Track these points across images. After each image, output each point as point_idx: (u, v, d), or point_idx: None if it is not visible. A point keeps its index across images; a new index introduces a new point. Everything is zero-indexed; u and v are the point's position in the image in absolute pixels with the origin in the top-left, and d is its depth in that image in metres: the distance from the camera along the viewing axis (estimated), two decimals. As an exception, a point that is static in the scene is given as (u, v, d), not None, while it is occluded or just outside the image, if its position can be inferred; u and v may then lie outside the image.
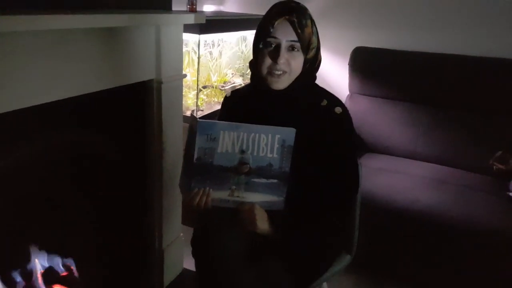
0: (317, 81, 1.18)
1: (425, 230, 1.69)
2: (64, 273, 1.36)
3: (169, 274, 1.70)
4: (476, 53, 2.10)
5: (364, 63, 2.30)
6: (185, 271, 1.78)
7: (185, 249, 1.74)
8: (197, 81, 2.06)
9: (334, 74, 2.50)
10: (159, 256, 1.64)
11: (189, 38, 1.98)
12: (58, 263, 1.35)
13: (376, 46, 2.30)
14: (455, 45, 2.17)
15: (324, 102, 1.12)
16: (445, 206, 1.70)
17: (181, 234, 1.75)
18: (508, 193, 1.78)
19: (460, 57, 2.12)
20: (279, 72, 1.06)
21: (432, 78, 2.16)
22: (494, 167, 1.84)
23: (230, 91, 1.29)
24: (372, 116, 2.27)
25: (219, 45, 2.28)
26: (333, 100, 1.14)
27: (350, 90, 2.38)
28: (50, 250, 1.35)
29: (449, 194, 1.78)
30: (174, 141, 1.57)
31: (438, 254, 1.70)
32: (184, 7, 1.92)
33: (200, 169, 0.98)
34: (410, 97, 2.21)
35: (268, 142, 0.98)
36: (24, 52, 1.00)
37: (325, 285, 1.32)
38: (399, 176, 1.94)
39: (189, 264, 1.74)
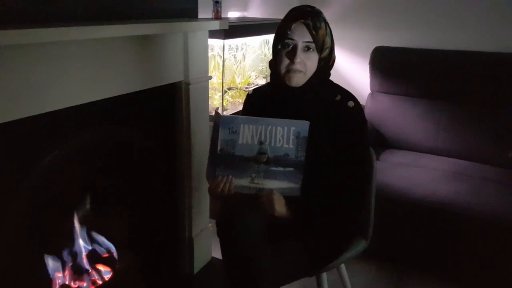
0: (339, 80, 1.26)
1: (442, 221, 1.73)
2: (105, 255, 1.51)
3: (199, 262, 1.82)
4: (494, 49, 2.11)
5: (384, 62, 2.35)
6: (214, 260, 1.88)
7: (213, 239, 1.84)
8: (222, 83, 2.16)
9: (356, 74, 2.56)
10: (189, 244, 1.76)
11: (215, 43, 2.08)
12: (100, 246, 1.50)
13: (395, 45, 2.35)
14: (473, 42, 2.19)
15: (338, 97, 1.20)
16: (463, 197, 1.73)
17: (209, 224, 1.87)
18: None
19: (478, 54, 2.13)
20: (295, 70, 1.15)
21: (450, 75, 2.18)
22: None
23: (252, 89, 1.39)
24: (393, 113, 2.31)
25: (242, 48, 2.37)
26: (346, 95, 1.21)
27: (371, 89, 2.43)
28: (93, 234, 1.50)
29: (466, 186, 1.81)
30: (201, 138, 1.68)
31: (456, 245, 1.73)
32: (210, 15, 2.05)
33: (223, 159, 1.10)
34: (429, 94, 2.24)
35: (284, 134, 1.07)
36: (73, 58, 1.14)
37: (343, 266, 1.40)
38: (418, 169, 1.98)
39: (217, 253, 1.84)
